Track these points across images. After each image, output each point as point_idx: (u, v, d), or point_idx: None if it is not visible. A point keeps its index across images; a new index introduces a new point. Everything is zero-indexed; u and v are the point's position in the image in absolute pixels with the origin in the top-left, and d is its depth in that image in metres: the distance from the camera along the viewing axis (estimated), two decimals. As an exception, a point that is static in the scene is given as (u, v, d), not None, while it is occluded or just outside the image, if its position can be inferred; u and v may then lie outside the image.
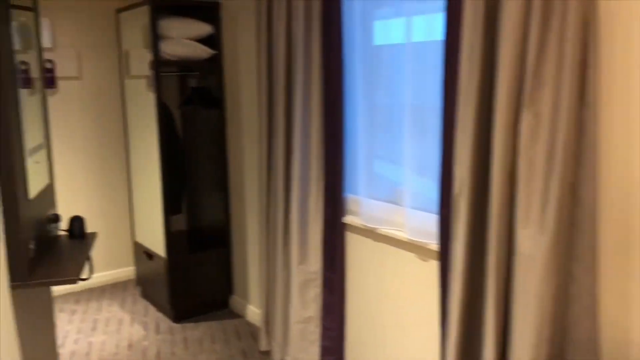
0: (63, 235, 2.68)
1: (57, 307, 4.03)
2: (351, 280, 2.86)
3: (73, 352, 3.40)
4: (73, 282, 2.19)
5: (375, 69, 2.64)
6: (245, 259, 3.83)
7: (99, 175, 4.44)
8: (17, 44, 2.14)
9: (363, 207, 2.70)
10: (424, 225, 2.39)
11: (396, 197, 2.60)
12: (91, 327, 3.75)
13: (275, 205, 3.08)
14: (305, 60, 2.79)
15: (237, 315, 3.90)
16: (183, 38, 3.61)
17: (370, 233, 2.70)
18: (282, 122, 2.96)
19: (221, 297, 4.01)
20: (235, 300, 3.99)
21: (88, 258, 2.50)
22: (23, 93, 2.20)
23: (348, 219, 2.80)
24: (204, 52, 3.68)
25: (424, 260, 2.43)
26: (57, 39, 4.13)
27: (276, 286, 3.13)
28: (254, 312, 3.76)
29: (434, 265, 2.38)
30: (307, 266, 2.91)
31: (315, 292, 2.91)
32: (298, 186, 2.89)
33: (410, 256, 2.50)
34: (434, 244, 2.34)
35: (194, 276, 3.85)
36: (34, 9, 2.45)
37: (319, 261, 2.88)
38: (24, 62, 2.26)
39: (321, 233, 2.87)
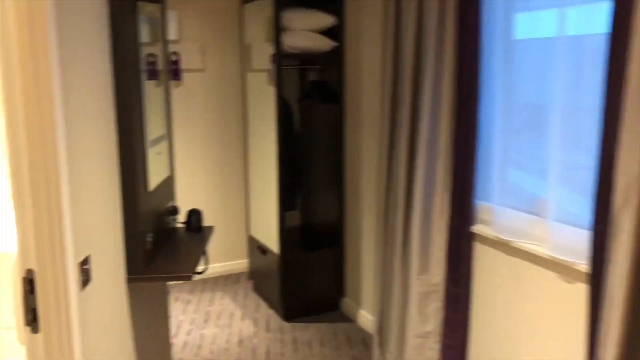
0: (181, 227, 2.66)
1: (173, 295, 4.11)
2: (478, 296, 2.58)
3: (185, 343, 3.42)
4: (188, 278, 2.14)
5: (517, 66, 2.35)
6: (358, 261, 3.66)
7: (217, 168, 4.48)
8: (145, 37, 2.12)
9: (496, 217, 2.42)
10: (570, 242, 2.07)
11: (537, 208, 2.29)
12: (204, 318, 3.77)
13: (395, 208, 2.86)
14: (436, 53, 2.55)
15: (349, 319, 3.74)
16: (305, 30, 3.50)
17: (503, 246, 2.41)
18: (407, 120, 2.74)
19: (332, 298, 3.87)
20: (346, 303, 3.83)
21: (204, 252, 2.45)
22: (149, 85, 2.18)
23: (477, 228, 2.53)
24: (325, 44, 3.55)
25: (569, 283, 2.11)
26: (183, 32, 4.19)
27: (392, 294, 2.92)
28: (366, 318, 3.58)
29: (581, 290, 2.05)
30: (429, 277, 2.67)
31: (436, 305, 2.67)
32: (421, 189, 2.66)
33: (551, 276, 2.18)
34: (582, 265, 2.01)
35: (305, 275, 3.75)
36: (161, 1, 2.43)
37: (441, 272, 2.64)
38: (151, 55, 2.24)
39: (445, 242, 2.62)
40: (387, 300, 3.01)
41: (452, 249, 2.62)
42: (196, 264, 2.24)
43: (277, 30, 3.44)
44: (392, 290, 2.92)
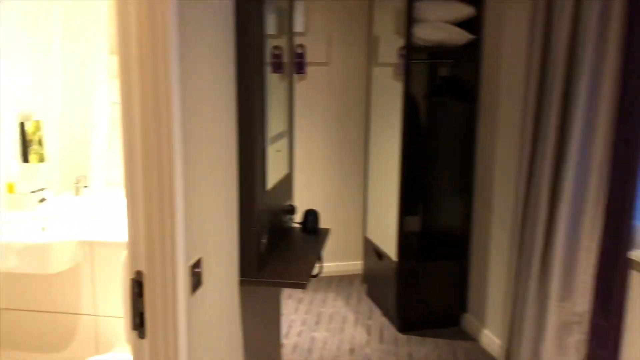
0: (296, 227, 2.54)
1: (286, 293, 4.04)
2: (632, 333, 2.20)
3: (295, 345, 3.32)
4: (302, 286, 2.00)
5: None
6: (484, 276, 3.34)
7: (336, 165, 4.34)
8: (271, 28, 2.00)
9: (663, 243, 2.04)
10: None
11: None
12: (315, 320, 3.65)
13: (534, 222, 2.54)
14: (596, 49, 2.20)
15: (470, 338, 3.44)
16: (439, 21, 3.23)
17: (670, 279, 2.02)
18: (554, 124, 2.41)
19: (452, 313, 3.59)
20: (468, 320, 3.53)
21: (319, 257, 2.30)
22: (274, 78, 2.07)
23: (636, 254, 2.15)
24: (460, 37, 3.26)
25: None
26: (310, 23, 4.09)
27: (525, 319, 2.60)
28: (490, 339, 3.26)
29: None
30: (571, 305, 2.33)
31: (577, 338, 2.33)
32: (568, 204, 2.32)
33: None
34: None
35: (424, 285, 3.50)
36: (289, -9, 2.30)
37: (587, 301, 2.29)
38: (277, 47, 2.13)
39: (594, 266, 2.26)
40: (518, 324, 2.69)
41: (602, 275, 2.26)
42: (311, 269, 2.10)
43: (409, 21, 3.21)
44: (525, 315, 2.60)
